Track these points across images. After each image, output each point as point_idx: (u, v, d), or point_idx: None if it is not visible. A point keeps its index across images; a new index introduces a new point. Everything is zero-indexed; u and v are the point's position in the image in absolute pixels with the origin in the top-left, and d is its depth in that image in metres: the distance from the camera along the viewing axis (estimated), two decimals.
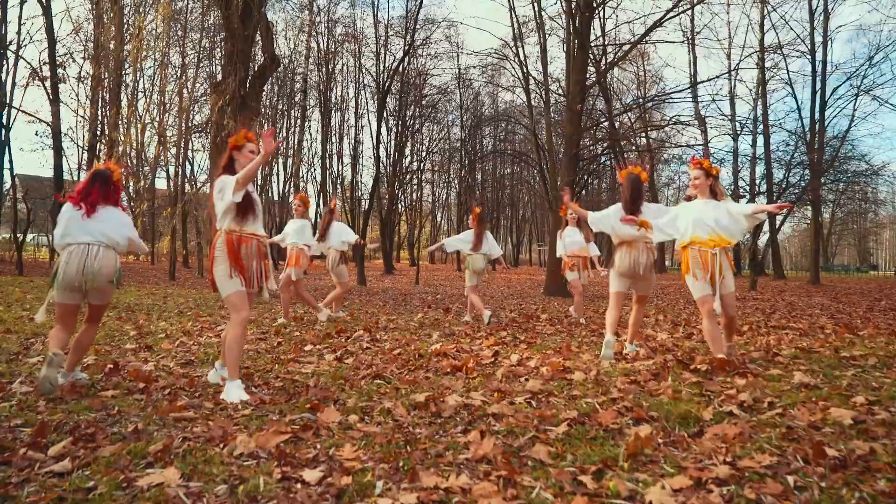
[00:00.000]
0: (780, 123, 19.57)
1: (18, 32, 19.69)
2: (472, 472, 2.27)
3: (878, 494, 2.00)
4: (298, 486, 2.13)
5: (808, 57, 18.90)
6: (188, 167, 28.30)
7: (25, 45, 18.53)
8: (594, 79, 14.44)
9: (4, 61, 18.04)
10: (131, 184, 22.13)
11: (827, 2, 18.94)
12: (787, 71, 19.58)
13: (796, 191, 17.13)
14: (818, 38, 19.36)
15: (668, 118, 22.52)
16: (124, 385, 3.82)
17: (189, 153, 28.43)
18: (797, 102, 19.52)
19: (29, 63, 17.31)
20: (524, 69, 17.45)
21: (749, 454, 2.39)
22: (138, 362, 4.56)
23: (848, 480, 2.11)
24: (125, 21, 15.69)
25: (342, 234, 8.09)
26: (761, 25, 21.43)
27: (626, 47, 14.69)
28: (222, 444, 2.58)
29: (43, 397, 3.43)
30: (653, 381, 3.76)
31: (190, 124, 22.54)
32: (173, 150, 23.51)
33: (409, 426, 2.86)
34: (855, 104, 20.81)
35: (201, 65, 25.98)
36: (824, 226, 38.41)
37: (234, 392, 3.40)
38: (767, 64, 20.22)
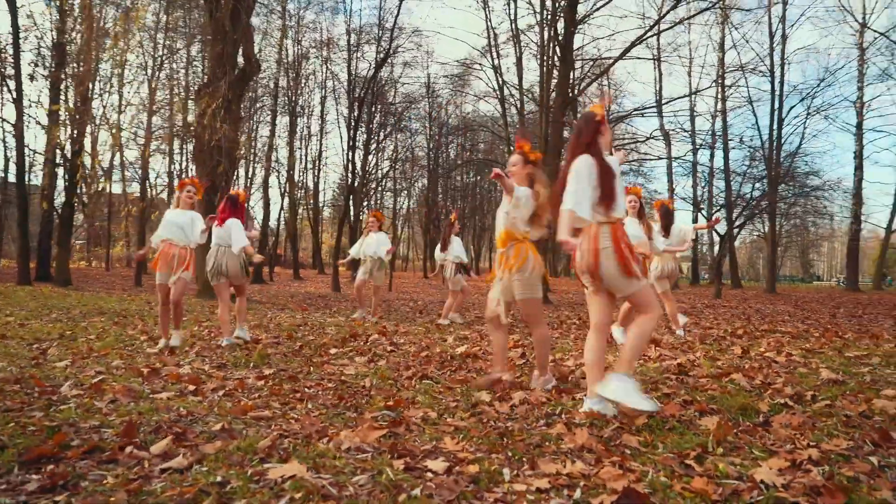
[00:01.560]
0: (745, 139, 20.53)
1: None
2: (583, 460, 2.40)
3: None
4: (429, 474, 2.21)
5: (768, 78, 19.98)
6: (149, 172, 27.56)
7: None
8: (583, 89, 14.90)
9: None
10: (83, 187, 21.42)
11: (785, 27, 20.11)
12: (748, 88, 20.67)
13: (753, 202, 17.97)
14: (777, 59, 20.51)
15: (634, 130, 23.30)
16: (172, 387, 3.78)
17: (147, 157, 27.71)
18: (756, 119, 20.59)
19: None
20: (500, 79, 17.83)
21: (823, 440, 2.60)
22: (171, 366, 4.50)
23: None
24: (100, 23, 15.23)
25: (460, 248, 8.80)
26: (721, 45, 22.51)
27: (605, 63, 15.18)
28: (325, 439, 2.63)
29: (96, 401, 3.39)
30: (691, 378, 3.97)
31: (152, 127, 22.00)
32: (133, 155, 22.89)
33: (491, 421, 2.97)
34: (806, 122, 22.08)
35: (163, 67, 25.39)
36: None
37: (634, 396, 2.83)
38: (728, 82, 21.22)
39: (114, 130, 18.55)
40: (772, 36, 20.32)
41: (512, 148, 19.59)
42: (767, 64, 19.95)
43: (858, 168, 23.81)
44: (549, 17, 13.73)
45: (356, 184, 24.63)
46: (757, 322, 9.00)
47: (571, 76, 18.64)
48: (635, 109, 15.38)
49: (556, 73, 14.27)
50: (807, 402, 3.26)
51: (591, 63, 17.59)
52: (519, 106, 17.93)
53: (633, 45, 12.61)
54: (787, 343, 5.86)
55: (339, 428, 2.83)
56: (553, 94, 13.33)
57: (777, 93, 19.98)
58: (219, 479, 2.19)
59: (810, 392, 3.45)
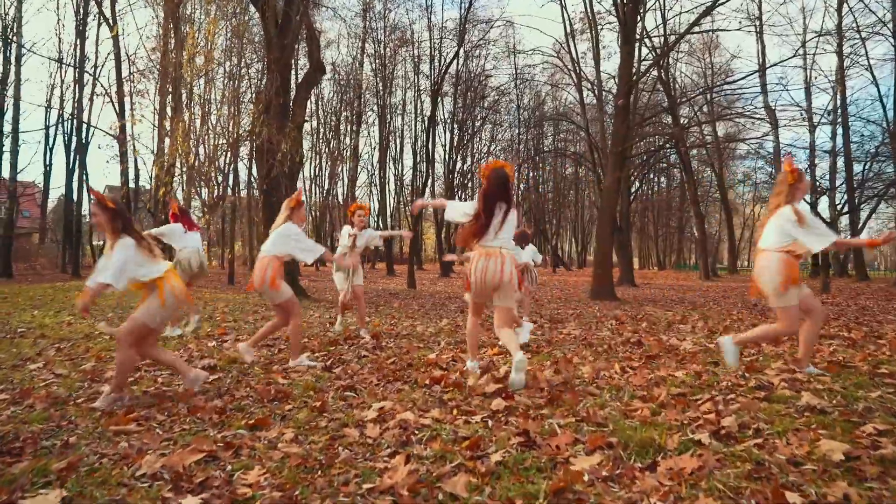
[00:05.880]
0: (864, 112, 18.03)
1: (96, 54, 21.08)
2: None
3: None
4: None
5: (891, 40, 17.29)
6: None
7: (102, 65, 19.67)
8: (647, 69, 13.83)
9: (84, 82, 19.26)
10: (205, 192, 23.10)
11: None
12: (868, 57, 18.02)
13: (877, 185, 15.69)
14: None
15: (738, 111, 21.27)
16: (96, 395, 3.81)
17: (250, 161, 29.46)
18: (878, 90, 17.93)
19: (100, 83, 18.43)
20: (576, 67, 16.97)
21: (695, 496, 2.05)
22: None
23: None
24: (193, 36, 16.37)
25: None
26: (839, 9, 19.82)
27: (679, 34, 13.94)
28: (133, 462, 2.47)
29: (14, 406, 3.48)
30: (638, 400, 3.39)
31: (237, 134, 23.26)
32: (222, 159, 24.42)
33: (338, 446, 2.67)
34: None
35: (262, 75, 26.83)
36: None
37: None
38: (846, 50, 18.68)
39: (221, 140, 19.95)
40: None
41: (591, 137, 18.62)
42: (890, 27, 17.23)
43: None
44: None
45: (444, 177, 24.69)
46: (840, 323, 7.72)
47: (637, 56, 17.36)
48: (724, 82, 13.92)
49: (631, 55, 13.26)
50: (739, 439, 2.62)
51: (675, 37, 16.23)
52: (597, 93, 16.95)
53: (706, 12, 11.36)
54: (827, 353, 4.92)
55: (175, 448, 2.67)
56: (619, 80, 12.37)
57: None
58: None
59: (759, 424, 2.78)
